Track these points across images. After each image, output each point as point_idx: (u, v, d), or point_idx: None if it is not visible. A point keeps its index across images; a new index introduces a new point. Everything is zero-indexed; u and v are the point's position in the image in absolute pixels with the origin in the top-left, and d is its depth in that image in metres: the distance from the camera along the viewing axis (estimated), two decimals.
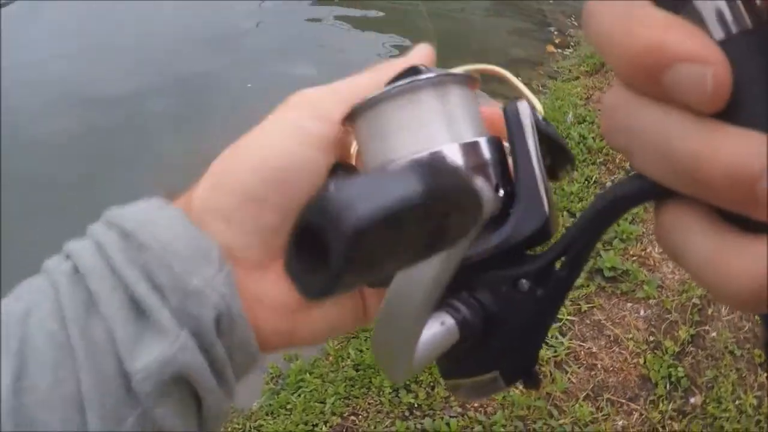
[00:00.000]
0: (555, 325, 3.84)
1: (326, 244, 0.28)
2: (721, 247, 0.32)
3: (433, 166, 0.34)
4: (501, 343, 0.52)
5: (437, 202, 0.32)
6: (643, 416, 3.34)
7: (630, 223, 4.64)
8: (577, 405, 3.37)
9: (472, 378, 0.56)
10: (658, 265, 4.31)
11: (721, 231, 0.33)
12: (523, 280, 0.51)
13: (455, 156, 0.53)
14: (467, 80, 0.59)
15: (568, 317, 3.91)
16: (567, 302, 4.02)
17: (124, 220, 0.53)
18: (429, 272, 0.44)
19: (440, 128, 0.54)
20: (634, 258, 4.36)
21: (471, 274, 0.51)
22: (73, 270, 0.51)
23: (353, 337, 4.13)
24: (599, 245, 4.32)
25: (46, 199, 5.68)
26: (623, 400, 3.43)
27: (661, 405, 3.37)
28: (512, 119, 0.55)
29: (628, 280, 4.16)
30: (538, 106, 0.59)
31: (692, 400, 3.43)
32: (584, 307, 3.98)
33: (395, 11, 10.78)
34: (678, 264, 0.37)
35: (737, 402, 3.42)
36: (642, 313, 3.96)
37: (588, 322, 3.90)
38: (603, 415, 3.33)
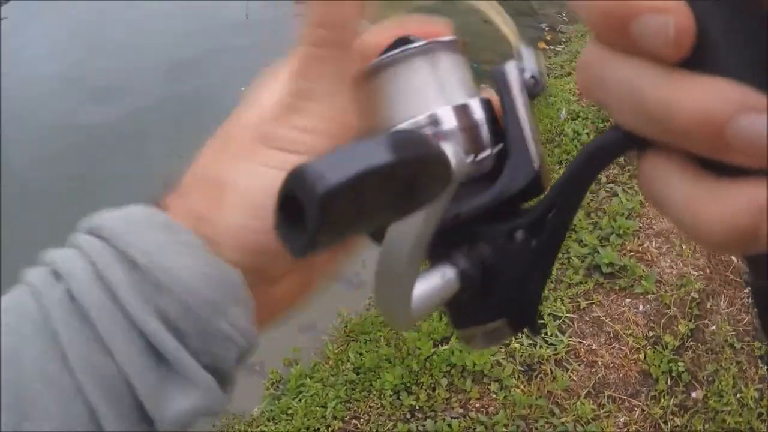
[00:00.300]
0: (554, 323, 3.84)
1: (303, 209, 0.33)
2: (697, 192, 0.34)
3: (399, 137, 0.39)
4: (502, 293, 0.55)
5: (400, 169, 0.37)
6: (645, 412, 3.34)
7: (626, 218, 4.64)
8: (579, 402, 3.36)
9: (482, 326, 0.59)
10: (655, 259, 4.31)
11: (697, 177, 0.35)
12: (518, 232, 0.53)
13: (449, 118, 0.55)
14: (456, 45, 0.61)
15: (567, 314, 3.90)
16: (566, 299, 4.01)
17: (127, 244, 0.46)
18: (412, 228, 0.47)
19: (433, 93, 0.56)
20: (632, 253, 4.35)
21: (469, 228, 0.54)
22: (67, 297, 0.44)
23: (353, 341, 4.13)
24: (596, 241, 4.33)
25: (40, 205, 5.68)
26: (624, 397, 3.42)
27: (662, 400, 3.37)
28: (500, 81, 0.58)
29: (626, 276, 4.15)
30: (530, 57, 0.62)
31: (693, 394, 3.43)
32: (583, 303, 3.97)
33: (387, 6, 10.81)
34: (660, 211, 0.39)
35: (738, 395, 3.41)
36: (641, 308, 3.95)
37: (587, 318, 3.89)
38: (605, 412, 3.33)
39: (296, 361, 4.10)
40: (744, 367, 3.56)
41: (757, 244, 0.32)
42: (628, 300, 4.01)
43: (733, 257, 4.29)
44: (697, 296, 3.98)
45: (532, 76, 0.59)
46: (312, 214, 0.33)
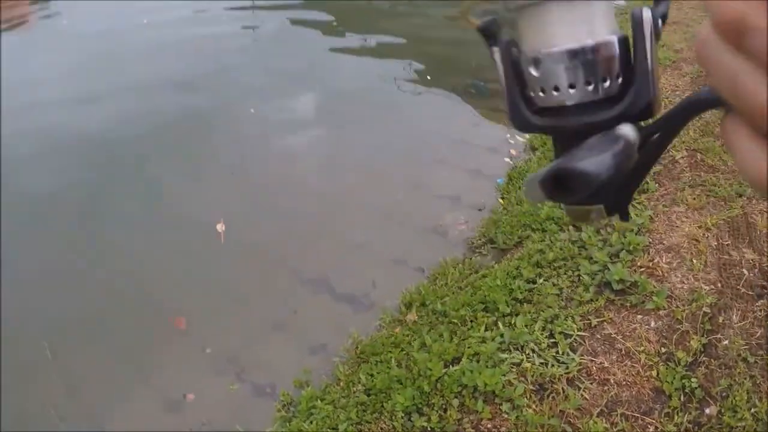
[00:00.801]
0: (565, 341, 3.81)
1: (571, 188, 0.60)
2: (754, 150, 0.49)
3: (626, 152, 0.62)
4: (606, 186, 0.66)
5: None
6: (659, 430, 3.30)
7: (636, 234, 4.62)
8: (591, 421, 3.33)
9: (588, 207, 0.76)
10: (666, 275, 4.28)
11: (756, 140, 0.49)
12: None
13: (597, 47, 0.68)
14: None
15: (579, 333, 3.87)
16: (577, 317, 3.99)
17: None
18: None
19: (587, 27, 0.68)
20: (642, 269, 4.33)
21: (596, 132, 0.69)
22: None
23: (364, 362, 4.11)
24: (607, 258, 4.31)
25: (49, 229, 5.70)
26: (638, 414, 3.39)
27: (676, 417, 3.33)
28: (636, 23, 0.68)
29: (637, 292, 4.13)
30: (663, 3, 0.72)
31: (707, 410, 3.39)
32: (594, 321, 3.94)
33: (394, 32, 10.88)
34: (730, 156, 0.56)
35: (753, 410, 3.37)
36: (653, 324, 3.92)
37: (599, 336, 3.86)
38: (618, 431, 3.29)
39: (307, 383, 4.09)
40: (758, 381, 3.53)
41: None
42: (639, 316, 3.99)
43: (744, 270, 4.27)
44: (708, 311, 3.96)
45: (661, 17, 0.69)
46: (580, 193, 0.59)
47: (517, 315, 4.10)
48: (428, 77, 8.97)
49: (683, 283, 4.21)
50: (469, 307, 4.28)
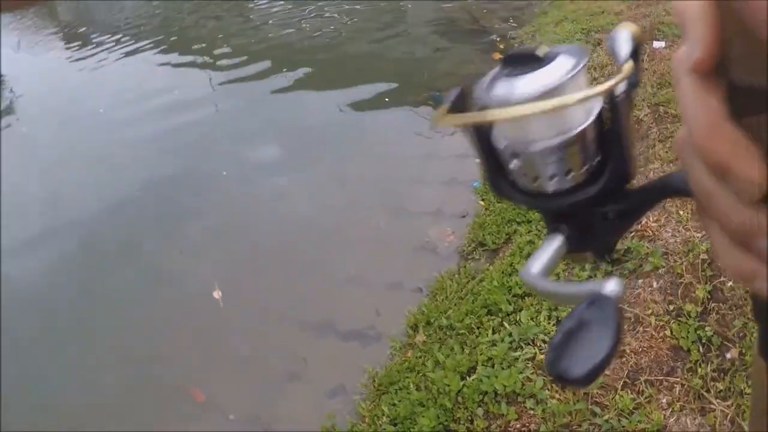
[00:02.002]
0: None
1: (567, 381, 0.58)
2: (728, 248, 0.50)
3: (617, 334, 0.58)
4: (593, 241, 0.79)
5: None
6: (685, 386, 3.27)
7: None
8: (617, 396, 3.29)
9: (580, 253, 0.81)
10: (657, 233, 4.27)
11: (725, 238, 0.50)
12: (609, 213, 0.75)
13: (575, 139, 0.69)
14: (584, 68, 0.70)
15: None
16: None
17: None
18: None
19: (566, 120, 0.69)
20: (632, 234, 4.32)
21: (577, 209, 0.74)
22: None
23: (384, 393, 4.07)
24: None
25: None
26: (661, 377, 3.36)
27: (699, 370, 3.30)
28: (613, 104, 0.69)
29: (633, 258, 4.11)
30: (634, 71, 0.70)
31: (728, 355, 3.36)
32: None
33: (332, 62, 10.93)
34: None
35: None
36: (655, 285, 3.90)
37: None
38: (645, 398, 3.26)
39: (333, 427, 4.04)
40: None
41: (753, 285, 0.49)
42: (640, 280, 3.97)
43: None
44: (706, 257, 3.94)
45: (632, 85, 0.69)
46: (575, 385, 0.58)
47: (520, 311, 4.08)
48: (386, 99, 9.00)
49: (675, 236, 4.20)
50: (473, 314, 4.25)
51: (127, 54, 14.09)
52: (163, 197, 7.61)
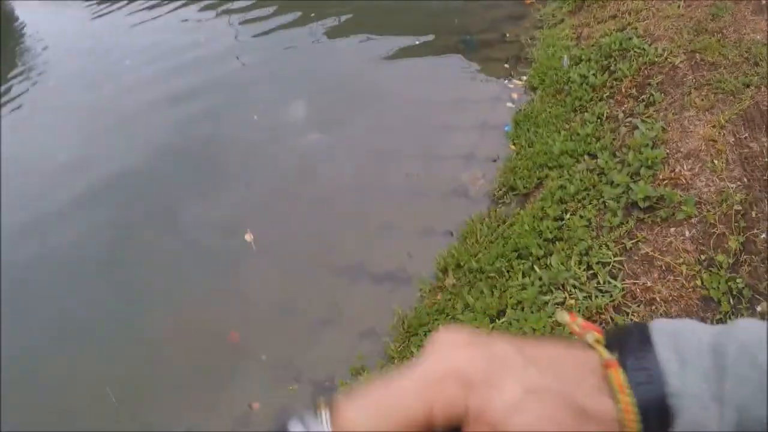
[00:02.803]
0: (604, 270, 3.79)
1: None
2: None
3: None
4: None
5: None
6: None
7: (652, 148, 4.57)
8: None
9: None
10: (690, 182, 4.24)
11: None
12: None
13: None
14: None
15: (616, 259, 3.85)
16: (611, 244, 3.96)
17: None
18: None
19: None
20: (665, 182, 4.29)
21: None
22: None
23: (413, 335, 4.12)
24: (627, 178, 4.27)
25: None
26: None
27: (728, 321, 3.29)
28: None
29: (665, 205, 4.08)
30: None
31: (758, 308, 3.36)
32: (629, 244, 3.92)
33: (364, 9, 10.81)
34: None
35: None
36: (687, 234, 3.89)
37: (636, 258, 3.84)
38: None
39: (363, 368, 4.11)
40: None
41: None
42: (672, 229, 3.95)
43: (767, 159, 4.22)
44: (740, 208, 3.91)
45: None
46: None
47: (551, 255, 4.09)
48: (416, 43, 8.91)
49: (709, 186, 4.16)
50: (503, 258, 4.27)
51: (152, 7, 14.05)
52: (194, 146, 7.64)
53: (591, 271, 3.85)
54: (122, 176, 7.27)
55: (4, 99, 11.04)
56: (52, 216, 6.81)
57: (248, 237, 5.53)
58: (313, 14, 10.90)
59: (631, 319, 3.47)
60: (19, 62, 13.29)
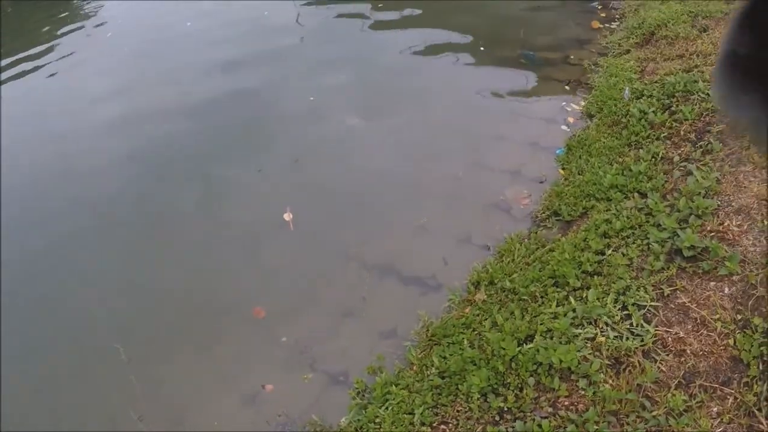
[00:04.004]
0: (639, 313, 3.77)
1: None
2: None
3: None
4: None
5: None
6: (738, 400, 3.25)
7: (704, 197, 4.53)
8: (669, 394, 3.30)
9: None
10: (737, 238, 4.20)
11: None
12: None
13: None
14: None
15: (652, 303, 3.83)
16: (649, 287, 3.94)
17: None
18: None
19: None
20: (713, 234, 4.25)
21: None
22: None
23: (436, 344, 4.12)
24: (675, 224, 4.24)
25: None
26: (716, 385, 3.34)
27: (755, 386, 3.28)
28: None
29: (709, 258, 4.05)
30: None
31: None
32: (667, 290, 3.89)
33: (431, 7, 10.78)
34: None
35: None
36: (726, 290, 3.85)
37: (672, 306, 3.81)
38: (697, 403, 3.25)
39: (380, 369, 4.12)
40: None
41: None
42: (712, 283, 3.92)
43: None
44: None
45: None
46: None
47: (588, 288, 4.07)
48: (481, 49, 8.89)
49: (755, 246, 4.12)
50: (539, 282, 4.26)
51: None
52: (244, 118, 7.67)
53: (626, 312, 3.83)
54: (168, 136, 7.32)
55: (60, 48, 11.15)
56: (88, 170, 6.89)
57: (287, 216, 5.55)
58: (381, 5, 10.89)
59: (659, 368, 3.46)
60: (78, 16, 13.36)
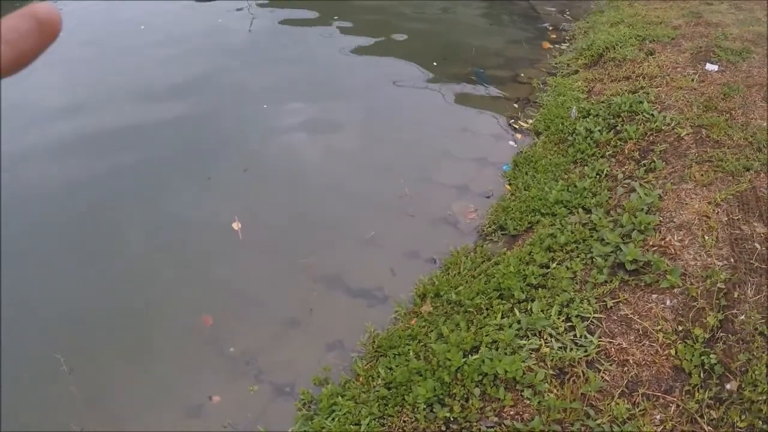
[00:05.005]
0: (582, 324, 3.82)
1: None
2: None
3: None
4: None
5: None
6: (680, 407, 3.31)
7: (647, 213, 4.62)
8: (613, 403, 3.34)
9: None
10: (679, 252, 4.29)
11: None
12: None
13: None
14: None
15: (595, 315, 3.89)
16: (592, 300, 4.00)
17: None
18: None
19: None
20: (655, 248, 4.34)
21: None
22: None
23: (382, 356, 4.13)
24: (618, 239, 4.31)
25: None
26: (659, 393, 3.40)
27: (697, 394, 3.34)
28: None
29: (651, 272, 4.13)
30: None
31: (728, 386, 3.39)
32: (610, 303, 3.95)
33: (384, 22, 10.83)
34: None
35: None
36: (668, 303, 3.93)
37: (615, 318, 3.88)
38: (640, 411, 3.30)
39: (327, 380, 4.10)
40: None
41: None
42: (654, 296, 4.00)
43: (756, 245, 4.27)
44: (723, 286, 3.96)
45: None
46: None
47: (532, 301, 4.11)
48: (434, 63, 8.96)
49: (696, 260, 4.21)
50: (484, 295, 4.29)
51: None
52: (192, 121, 7.60)
53: (569, 323, 3.88)
54: (113, 135, 7.20)
55: None
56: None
57: (236, 225, 5.52)
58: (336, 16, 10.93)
59: (602, 377, 3.50)
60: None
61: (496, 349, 3.77)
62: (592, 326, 3.84)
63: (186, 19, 11.31)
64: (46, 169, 6.78)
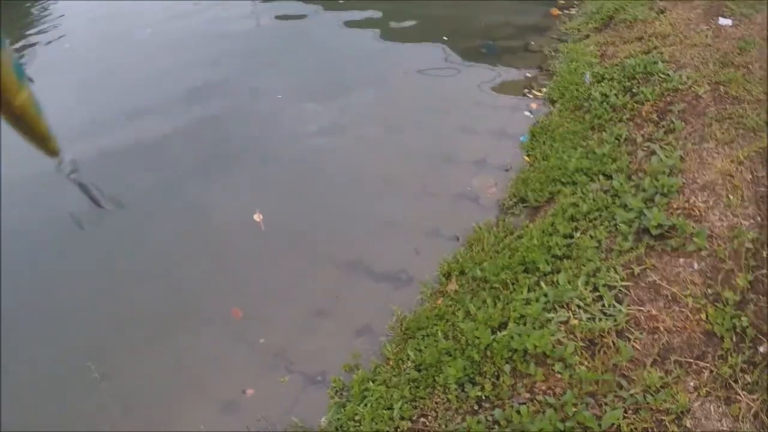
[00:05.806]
0: (610, 294, 3.78)
1: None
2: None
3: None
4: None
5: None
6: (714, 373, 3.26)
7: (668, 175, 4.56)
8: (645, 372, 3.30)
9: None
10: (704, 214, 4.22)
11: None
12: None
13: None
14: None
15: (623, 283, 3.84)
16: (619, 268, 3.95)
17: None
18: None
19: None
20: (679, 211, 4.27)
21: None
22: None
23: (410, 338, 4.11)
24: (642, 204, 4.25)
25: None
26: (691, 360, 3.35)
27: (730, 359, 3.29)
28: None
29: (677, 235, 4.07)
30: None
31: (761, 348, 3.33)
32: (636, 270, 3.90)
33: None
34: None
35: None
36: (696, 266, 3.87)
37: (643, 284, 3.82)
38: (673, 378, 3.26)
39: (357, 366, 4.10)
40: None
41: None
42: (681, 259, 3.94)
43: None
44: (751, 246, 3.88)
45: None
46: None
47: (558, 272, 4.08)
48: (444, 38, 8.89)
49: (722, 220, 4.14)
50: (509, 269, 4.26)
51: None
52: (211, 119, 7.60)
53: (597, 293, 3.84)
54: (132, 145, 7.22)
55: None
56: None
57: (257, 217, 5.51)
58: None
59: (633, 346, 3.46)
60: (36, 24, 13.14)
61: (524, 324, 3.74)
62: (620, 295, 3.79)
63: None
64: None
